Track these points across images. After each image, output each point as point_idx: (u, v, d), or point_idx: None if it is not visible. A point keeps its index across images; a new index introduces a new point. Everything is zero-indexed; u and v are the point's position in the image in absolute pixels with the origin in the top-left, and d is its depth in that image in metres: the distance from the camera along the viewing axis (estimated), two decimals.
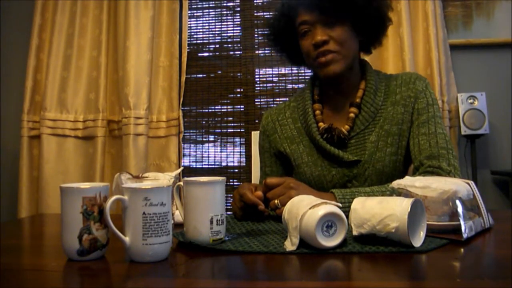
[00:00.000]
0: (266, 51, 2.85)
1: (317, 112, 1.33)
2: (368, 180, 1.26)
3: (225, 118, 2.87)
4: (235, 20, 2.91)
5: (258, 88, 2.85)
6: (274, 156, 1.40)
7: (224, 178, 0.89)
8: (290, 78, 2.82)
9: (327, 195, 1.13)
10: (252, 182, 1.68)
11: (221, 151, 2.88)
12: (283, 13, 1.31)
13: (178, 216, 1.11)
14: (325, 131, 1.28)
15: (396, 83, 1.32)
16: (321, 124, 1.30)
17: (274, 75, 2.84)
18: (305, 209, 0.81)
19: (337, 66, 1.23)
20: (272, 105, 2.80)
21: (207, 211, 0.85)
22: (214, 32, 2.92)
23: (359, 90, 1.30)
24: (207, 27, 2.93)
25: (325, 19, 1.22)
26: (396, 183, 0.96)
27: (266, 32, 1.42)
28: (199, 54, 2.93)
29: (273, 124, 1.40)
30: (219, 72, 2.90)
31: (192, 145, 2.91)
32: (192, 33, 2.92)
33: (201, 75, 2.91)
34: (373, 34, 1.31)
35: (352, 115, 1.28)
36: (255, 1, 2.88)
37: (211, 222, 0.85)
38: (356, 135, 1.28)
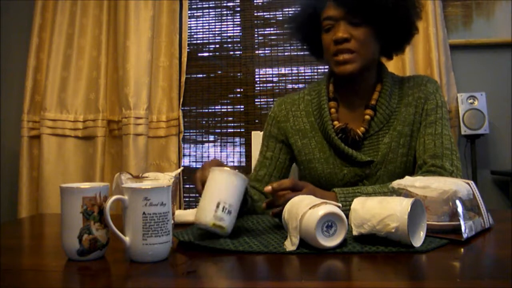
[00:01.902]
0: (266, 51, 2.85)
1: (332, 110, 1.32)
2: (379, 180, 1.26)
3: (225, 118, 2.87)
4: (235, 20, 2.91)
5: (258, 88, 2.85)
6: (280, 143, 1.38)
7: (247, 179, 0.92)
8: (290, 78, 2.82)
9: (329, 194, 1.13)
10: None
11: (221, 151, 2.88)
12: (310, 4, 1.31)
13: (178, 216, 1.11)
14: (340, 130, 1.28)
15: (409, 84, 1.33)
16: (336, 122, 1.30)
17: (274, 75, 2.84)
18: (305, 209, 0.81)
19: (353, 66, 1.23)
20: (272, 106, 2.79)
21: (216, 195, 0.87)
22: (214, 32, 2.92)
23: (375, 92, 1.30)
24: (207, 27, 2.93)
25: (350, 18, 1.22)
26: (396, 183, 0.96)
27: (287, 21, 1.42)
28: (199, 54, 2.93)
29: (286, 113, 1.39)
30: (219, 72, 2.90)
31: (192, 145, 2.91)
32: (192, 33, 2.93)
33: (201, 75, 2.91)
34: (397, 40, 1.30)
35: (367, 117, 1.28)
36: (255, 1, 2.88)
37: (217, 206, 0.86)
38: (370, 136, 1.28)
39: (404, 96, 1.31)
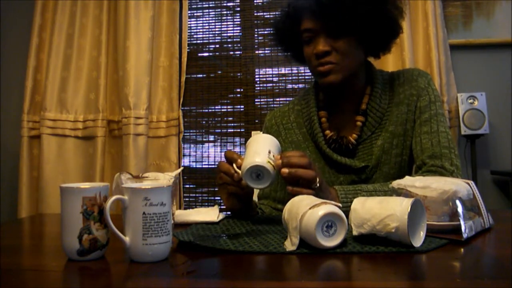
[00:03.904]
0: (266, 51, 2.85)
1: (323, 119, 1.30)
2: (376, 183, 1.25)
3: (225, 118, 2.87)
4: (235, 20, 2.91)
5: (258, 88, 2.85)
6: None
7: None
8: (290, 78, 2.82)
9: (331, 191, 1.11)
10: None
11: (221, 151, 2.88)
12: (288, 15, 1.27)
13: (178, 216, 1.11)
14: (332, 141, 1.27)
15: (399, 81, 1.30)
16: (327, 132, 1.28)
17: (274, 75, 2.84)
18: (305, 209, 0.81)
19: (335, 77, 1.20)
20: (272, 105, 2.80)
21: (266, 145, 0.99)
22: (214, 32, 2.92)
23: (365, 96, 1.28)
24: (207, 27, 2.93)
25: (329, 29, 1.18)
26: (396, 183, 0.96)
27: (270, 31, 1.39)
28: (199, 54, 2.93)
29: (277, 127, 1.38)
30: (219, 72, 2.90)
31: (192, 145, 2.91)
32: (192, 33, 2.93)
33: (201, 75, 2.91)
34: (382, 42, 1.27)
35: (359, 123, 1.26)
36: (255, 1, 2.88)
37: (269, 152, 0.97)
38: (363, 141, 1.27)
39: (395, 95, 1.28)
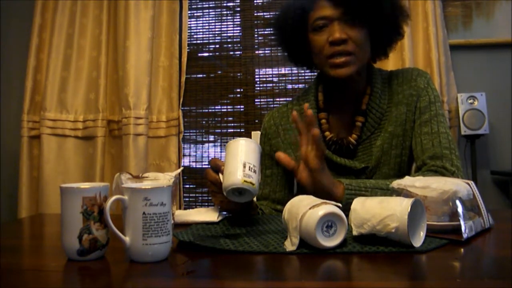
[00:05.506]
0: (266, 51, 2.85)
1: (323, 121, 1.29)
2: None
3: (225, 118, 2.87)
4: (235, 20, 2.91)
5: (258, 88, 2.85)
6: (275, 159, 1.37)
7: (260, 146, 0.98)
8: (290, 78, 2.82)
9: (337, 186, 1.11)
10: None
11: (221, 151, 2.88)
12: (297, 5, 1.24)
13: (178, 216, 1.12)
14: (332, 143, 1.26)
15: (398, 81, 1.29)
16: (327, 133, 1.28)
17: (274, 75, 2.84)
18: (305, 209, 0.81)
19: (350, 69, 1.19)
20: (272, 105, 2.80)
21: (240, 159, 0.92)
22: (214, 32, 2.92)
23: (365, 96, 1.27)
24: (207, 27, 2.93)
25: (346, 17, 1.17)
26: (396, 183, 0.96)
27: (270, 30, 1.37)
28: (199, 54, 2.93)
29: (276, 128, 1.37)
30: (219, 72, 2.90)
31: (192, 145, 2.91)
32: (192, 33, 2.93)
33: (201, 75, 2.91)
34: (384, 44, 1.27)
35: (359, 123, 1.26)
36: (255, 1, 2.88)
37: (244, 166, 0.90)
38: (363, 141, 1.27)
39: (394, 95, 1.28)
